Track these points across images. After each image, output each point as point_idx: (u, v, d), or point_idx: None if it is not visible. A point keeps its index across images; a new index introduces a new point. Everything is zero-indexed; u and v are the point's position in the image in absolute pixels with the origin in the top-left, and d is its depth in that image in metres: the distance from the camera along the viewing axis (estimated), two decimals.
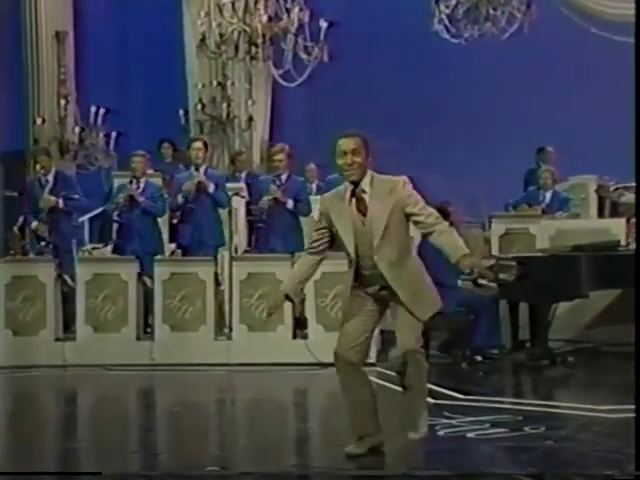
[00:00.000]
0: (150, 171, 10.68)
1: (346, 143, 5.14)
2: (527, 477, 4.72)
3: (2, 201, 12.99)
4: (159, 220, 9.86)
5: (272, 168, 9.86)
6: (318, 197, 10.08)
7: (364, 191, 5.14)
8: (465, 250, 5.08)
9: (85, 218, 10.42)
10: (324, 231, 5.29)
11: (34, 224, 9.82)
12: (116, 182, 10.52)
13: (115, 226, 10.00)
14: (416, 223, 5.18)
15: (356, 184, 5.14)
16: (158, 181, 10.50)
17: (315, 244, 5.38)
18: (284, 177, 9.52)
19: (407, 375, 5.28)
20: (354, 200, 5.14)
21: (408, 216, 5.15)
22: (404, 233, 5.20)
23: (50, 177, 9.97)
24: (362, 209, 5.11)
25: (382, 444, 5.38)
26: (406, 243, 5.25)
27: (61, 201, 9.81)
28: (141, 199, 9.54)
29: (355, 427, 5.34)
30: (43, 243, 9.64)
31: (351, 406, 5.34)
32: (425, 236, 5.37)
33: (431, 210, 5.17)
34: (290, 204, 9.42)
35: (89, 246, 10.31)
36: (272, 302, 5.61)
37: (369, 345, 5.34)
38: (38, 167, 10.07)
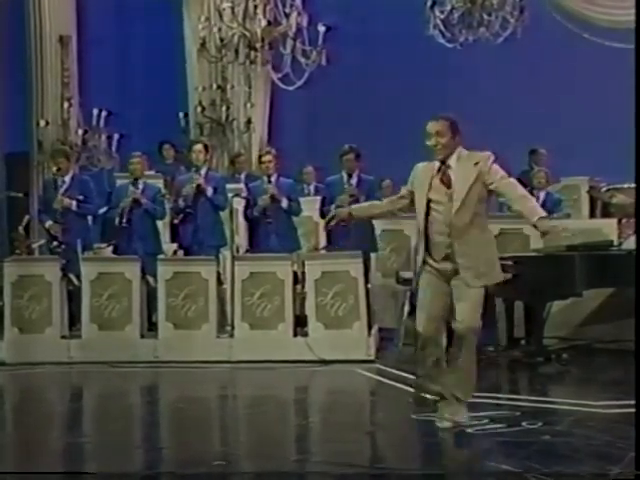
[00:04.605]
0: (151, 172, 10.82)
1: (431, 126, 5.65)
2: (526, 474, 4.79)
3: (6, 202, 13.09)
4: (159, 221, 9.92)
5: (261, 170, 9.93)
6: (317, 198, 10.33)
7: (449, 167, 5.59)
8: (541, 213, 5.51)
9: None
10: (407, 193, 5.80)
11: (48, 223, 9.75)
12: (118, 183, 10.55)
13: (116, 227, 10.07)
14: (496, 192, 5.63)
15: (443, 161, 5.60)
16: (159, 182, 10.62)
17: (395, 197, 5.98)
18: (273, 179, 9.66)
19: (458, 356, 5.68)
20: (440, 173, 5.59)
21: (488, 186, 5.57)
22: (481, 205, 5.62)
23: (67, 179, 9.88)
24: (446, 182, 5.53)
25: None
26: (481, 214, 5.63)
27: (74, 204, 9.73)
28: (144, 201, 9.59)
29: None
30: (56, 243, 9.60)
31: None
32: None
33: (509, 180, 5.59)
34: (285, 203, 9.59)
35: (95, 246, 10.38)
36: (338, 213, 6.08)
37: (446, 317, 5.75)
38: (54, 168, 9.95)
